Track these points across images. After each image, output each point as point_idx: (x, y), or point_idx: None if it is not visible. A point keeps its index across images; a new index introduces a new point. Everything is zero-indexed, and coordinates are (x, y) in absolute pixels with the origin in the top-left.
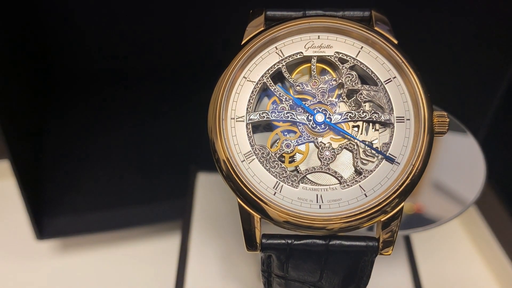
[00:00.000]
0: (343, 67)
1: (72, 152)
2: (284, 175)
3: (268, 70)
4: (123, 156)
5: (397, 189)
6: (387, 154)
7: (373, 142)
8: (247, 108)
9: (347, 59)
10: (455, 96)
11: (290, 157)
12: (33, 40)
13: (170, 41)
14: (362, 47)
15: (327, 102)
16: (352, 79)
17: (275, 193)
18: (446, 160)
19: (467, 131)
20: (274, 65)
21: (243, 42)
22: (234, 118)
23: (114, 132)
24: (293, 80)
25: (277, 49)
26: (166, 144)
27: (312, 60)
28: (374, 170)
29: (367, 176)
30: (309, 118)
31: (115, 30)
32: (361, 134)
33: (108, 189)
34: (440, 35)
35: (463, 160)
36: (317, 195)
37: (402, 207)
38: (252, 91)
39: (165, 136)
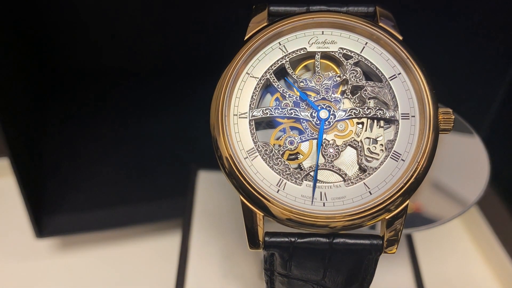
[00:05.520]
0: (347, 63)
1: (72, 150)
2: (288, 172)
3: (271, 66)
4: (123, 154)
5: (402, 187)
6: (392, 151)
7: (377, 139)
8: (250, 105)
9: (352, 55)
10: (456, 94)
11: (293, 154)
12: (34, 39)
13: (171, 38)
14: (366, 43)
15: (331, 98)
16: (357, 75)
17: (278, 190)
18: (451, 159)
19: (473, 131)
20: (278, 61)
21: (246, 38)
22: (237, 115)
23: (114, 130)
24: (297, 76)
25: (280, 44)
26: (167, 142)
27: (316, 56)
28: (379, 168)
29: (372, 174)
30: (313, 114)
31: (115, 29)
32: (366, 131)
33: (108, 188)
34: (442, 33)
35: (467, 161)
36: (321, 192)
37: (407, 206)
38: (255, 87)
39: (166, 134)
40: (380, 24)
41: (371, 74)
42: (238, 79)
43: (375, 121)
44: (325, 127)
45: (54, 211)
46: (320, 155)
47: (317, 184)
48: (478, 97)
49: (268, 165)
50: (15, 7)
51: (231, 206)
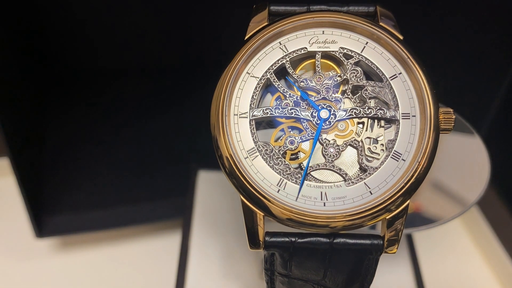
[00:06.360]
0: (348, 63)
1: (72, 149)
2: (288, 172)
3: (271, 65)
4: (124, 154)
5: (403, 187)
6: (393, 151)
7: (378, 138)
8: (250, 104)
9: (352, 54)
10: (456, 94)
11: (293, 154)
12: (34, 38)
13: (171, 38)
14: (367, 42)
15: (332, 98)
16: (357, 75)
17: (279, 190)
18: (451, 159)
19: (474, 131)
20: (278, 60)
21: (246, 37)
22: (237, 115)
23: (114, 130)
24: (297, 76)
25: (281, 44)
26: (167, 142)
27: (317, 55)
28: (380, 167)
29: (372, 173)
30: (314, 114)
31: (115, 29)
32: (366, 130)
33: (108, 187)
34: (442, 33)
35: (468, 161)
36: (321, 192)
37: (408, 206)
38: (256, 87)
39: (166, 133)
40: (380, 23)
41: (371, 74)
42: (239, 79)
43: (376, 120)
44: (325, 126)
45: (54, 211)
46: (321, 154)
47: (318, 184)
48: (478, 97)
49: (268, 165)
50: (15, 8)
51: (231, 206)
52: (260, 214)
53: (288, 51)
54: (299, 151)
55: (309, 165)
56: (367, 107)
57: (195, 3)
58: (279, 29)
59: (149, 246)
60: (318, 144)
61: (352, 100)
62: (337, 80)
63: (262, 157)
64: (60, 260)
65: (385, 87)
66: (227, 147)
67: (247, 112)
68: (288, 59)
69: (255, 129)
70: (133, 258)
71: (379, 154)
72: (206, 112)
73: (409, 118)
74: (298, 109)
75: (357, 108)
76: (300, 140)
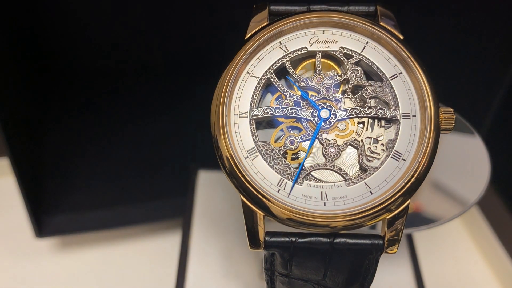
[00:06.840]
0: (348, 63)
1: (71, 149)
2: (288, 172)
3: (272, 65)
4: (124, 153)
5: (403, 187)
6: (393, 151)
7: (378, 138)
8: (250, 104)
9: (352, 54)
10: (456, 94)
11: (294, 154)
12: (34, 38)
13: (171, 38)
14: (367, 42)
15: (332, 98)
16: (357, 74)
17: (279, 190)
18: (451, 159)
19: (474, 131)
20: (278, 60)
21: (246, 37)
22: (237, 114)
23: (114, 129)
24: (298, 76)
25: (281, 44)
26: (167, 142)
27: (317, 55)
28: (380, 167)
29: (373, 173)
30: (314, 114)
31: (115, 29)
32: (366, 130)
33: (108, 187)
34: (442, 33)
35: (468, 160)
36: (321, 192)
37: (408, 205)
38: (256, 87)
39: (166, 133)
40: (381, 23)
41: (372, 74)
42: (239, 79)
43: (376, 120)
44: (326, 126)
45: (54, 211)
46: (321, 154)
47: (318, 184)
48: (478, 97)
49: (268, 164)
50: (15, 8)
51: (231, 206)
52: (260, 214)
53: (288, 50)
54: (299, 151)
55: (310, 165)
56: (367, 107)
57: (195, 3)
58: (279, 29)
59: (149, 246)
60: (318, 144)
61: (353, 100)
62: (338, 79)
63: (263, 157)
64: (60, 260)
65: (386, 86)
66: (227, 147)
67: (247, 112)
68: (288, 59)
69: (255, 129)
70: (133, 258)
71: (379, 154)
72: (206, 112)
73: (409, 118)
74: (298, 108)
75: (358, 108)
76: (300, 140)
